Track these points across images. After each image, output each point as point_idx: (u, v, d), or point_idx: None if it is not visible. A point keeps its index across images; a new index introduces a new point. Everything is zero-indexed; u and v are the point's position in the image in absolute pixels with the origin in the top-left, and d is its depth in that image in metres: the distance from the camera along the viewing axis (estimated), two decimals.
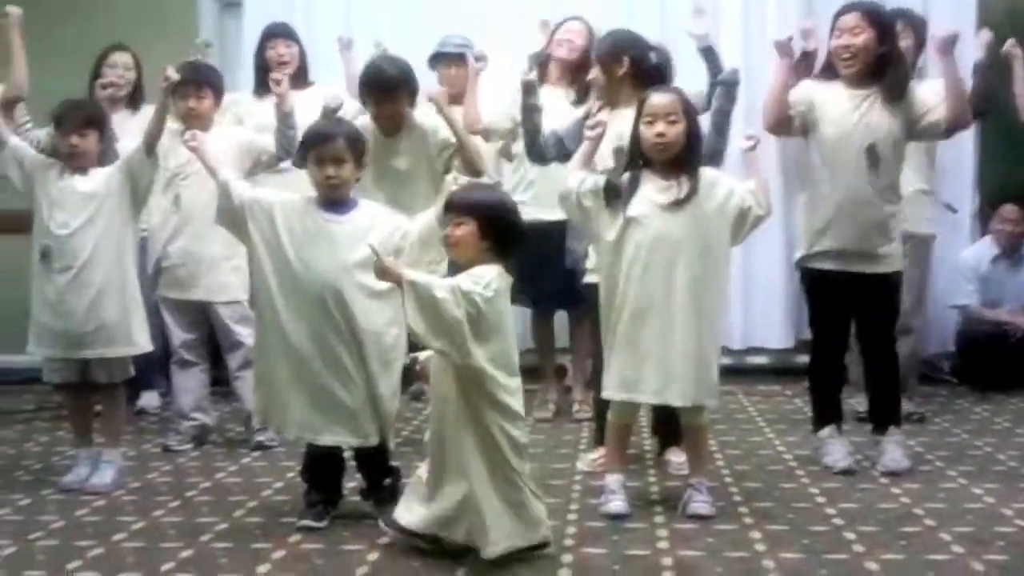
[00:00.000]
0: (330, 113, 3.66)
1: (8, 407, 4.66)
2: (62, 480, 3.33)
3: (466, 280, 2.47)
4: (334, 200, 2.87)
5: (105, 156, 3.36)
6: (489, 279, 2.47)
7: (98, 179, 3.32)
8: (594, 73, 3.52)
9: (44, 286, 3.30)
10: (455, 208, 2.58)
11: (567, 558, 2.59)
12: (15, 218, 3.69)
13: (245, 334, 3.80)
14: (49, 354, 3.37)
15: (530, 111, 3.55)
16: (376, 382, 2.83)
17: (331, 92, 3.91)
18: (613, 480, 2.99)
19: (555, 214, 3.47)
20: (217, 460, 3.69)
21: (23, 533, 2.84)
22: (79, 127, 3.27)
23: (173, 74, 3.38)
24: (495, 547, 2.47)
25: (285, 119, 3.81)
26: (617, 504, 2.92)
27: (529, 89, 3.55)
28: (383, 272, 2.51)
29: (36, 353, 3.40)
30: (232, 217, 2.92)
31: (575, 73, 4.15)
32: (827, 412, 3.47)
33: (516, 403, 2.54)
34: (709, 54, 3.58)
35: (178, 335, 3.89)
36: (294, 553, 2.66)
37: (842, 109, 3.29)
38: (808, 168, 3.43)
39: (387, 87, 3.63)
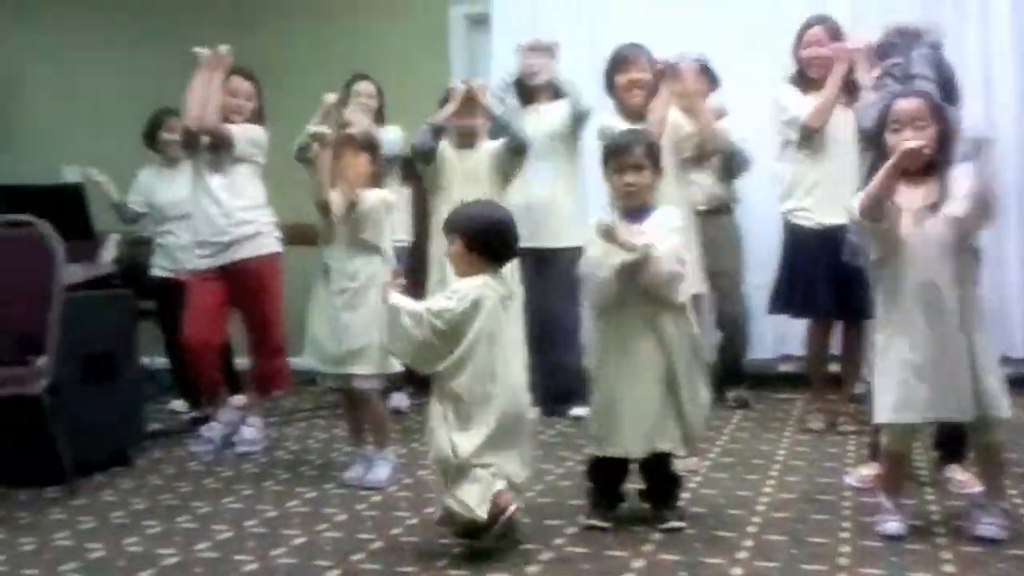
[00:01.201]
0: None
1: (290, 406, 5.06)
2: (343, 475, 3.56)
3: (439, 299, 2.73)
4: (632, 207, 2.92)
5: (377, 179, 3.56)
6: (465, 291, 2.67)
7: (375, 202, 3.50)
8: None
9: (321, 301, 3.53)
10: (446, 228, 2.82)
11: None
12: (307, 230, 3.89)
13: None
14: (316, 365, 3.58)
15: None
16: (679, 388, 2.85)
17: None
18: (888, 498, 2.84)
19: (835, 218, 3.35)
20: None
21: (310, 524, 3.05)
22: (354, 150, 3.46)
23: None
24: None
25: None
26: (894, 525, 2.77)
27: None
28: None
29: (309, 359, 3.63)
30: None
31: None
32: None
33: (477, 411, 2.65)
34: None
35: None
36: (561, 556, 2.70)
37: None
38: None
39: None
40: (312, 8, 5.97)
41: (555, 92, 4.55)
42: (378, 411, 3.62)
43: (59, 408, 3.41)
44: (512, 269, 3.09)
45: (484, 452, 2.66)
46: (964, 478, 3.07)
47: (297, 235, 4.31)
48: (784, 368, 5.07)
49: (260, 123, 4.15)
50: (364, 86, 4.66)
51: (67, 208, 4.68)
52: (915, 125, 2.70)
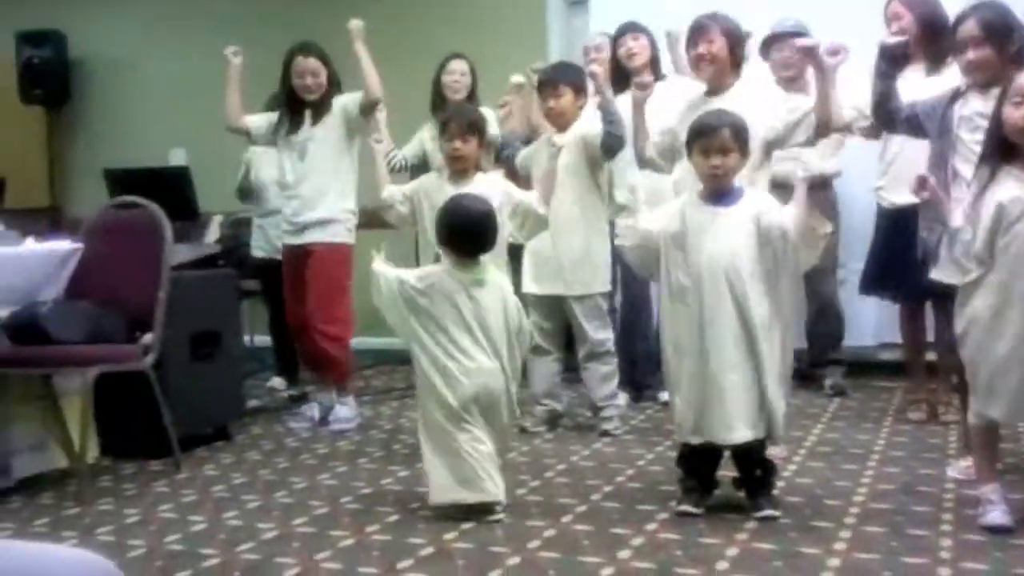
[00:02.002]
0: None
1: (382, 386, 5.14)
2: None
3: (409, 272, 3.03)
4: (719, 190, 2.88)
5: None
6: (424, 273, 3.02)
7: (479, 190, 3.51)
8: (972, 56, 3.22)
9: None
10: None
11: (944, 572, 2.42)
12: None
13: (592, 327, 3.94)
14: None
15: (884, 74, 3.34)
16: (764, 373, 2.81)
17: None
18: (990, 489, 2.75)
19: (908, 198, 3.23)
20: (570, 443, 3.83)
21: (405, 502, 3.10)
22: (462, 132, 3.49)
23: None
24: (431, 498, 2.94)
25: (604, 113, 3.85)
26: (997, 515, 2.68)
27: (889, 57, 3.35)
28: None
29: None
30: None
31: (924, 45, 3.84)
32: None
33: (439, 381, 2.91)
34: None
35: (535, 322, 4.06)
36: (653, 541, 2.69)
37: None
38: None
39: None
40: None
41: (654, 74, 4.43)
42: None
43: (165, 384, 3.53)
44: (493, 260, 3.11)
45: (449, 427, 2.91)
46: None
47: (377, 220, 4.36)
48: (884, 356, 4.93)
49: (334, 92, 4.16)
50: (457, 64, 4.67)
51: (174, 190, 4.83)
52: None
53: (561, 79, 3.95)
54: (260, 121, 4.30)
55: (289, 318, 4.31)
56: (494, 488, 2.90)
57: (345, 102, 4.14)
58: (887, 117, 3.41)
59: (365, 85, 4.04)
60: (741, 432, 2.82)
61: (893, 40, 3.41)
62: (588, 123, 4.01)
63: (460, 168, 3.54)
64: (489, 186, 3.51)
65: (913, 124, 3.30)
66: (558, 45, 5.78)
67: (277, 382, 5.11)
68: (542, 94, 3.95)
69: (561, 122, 3.93)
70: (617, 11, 5.00)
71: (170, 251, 3.54)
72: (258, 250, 5.08)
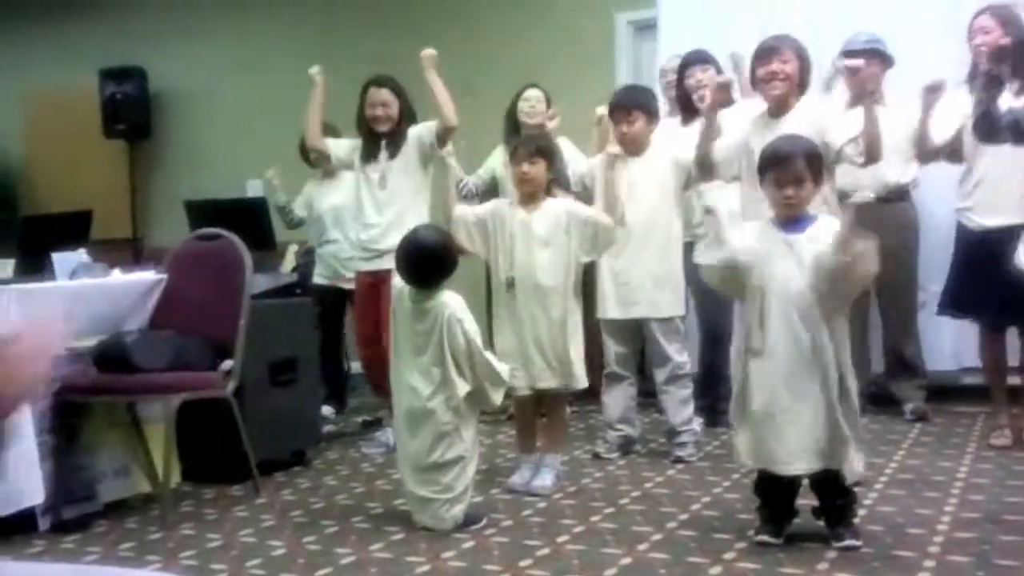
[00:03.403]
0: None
1: None
2: (508, 481, 3.61)
3: (395, 289, 3.31)
4: (791, 218, 2.86)
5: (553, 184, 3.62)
6: (396, 291, 3.29)
7: (549, 215, 3.55)
8: None
9: (505, 314, 3.62)
10: None
11: None
12: None
13: (673, 349, 3.92)
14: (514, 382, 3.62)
15: (989, 91, 3.29)
16: (835, 404, 2.76)
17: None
18: None
19: (997, 219, 3.17)
20: (643, 470, 3.81)
21: (479, 528, 3.11)
22: (530, 156, 3.54)
23: None
24: None
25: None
26: None
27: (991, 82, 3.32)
28: None
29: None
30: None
31: (1017, 63, 3.78)
32: None
33: (395, 390, 3.24)
34: None
35: (611, 348, 4.06)
36: (731, 571, 2.66)
37: None
38: None
39: None
40: (479, 16, 6.11)
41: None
42: (561, 411, 3.71)
43: (245, 410, 3.60)
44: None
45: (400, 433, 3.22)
46: None
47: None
48: (966, 380, 4.81)
49: (408, 124, 4.21)
50: (533, 92, 4.73)
51: (252, 220, 4.95)
52: None
53: (633, 105, 3.96)
54: (342, 145, 4.39)
55: (362, 342, 4.36)
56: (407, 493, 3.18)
57: (420, 132, 4.20)
58: (988, 127, 3.35)
59: (440, 113, 4.10)
60: (806, 463, 2.78)
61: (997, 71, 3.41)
62: (675, 145, 4.03)
63: (528, 191, 3.57)
64: (557, 208, 3.55)
65: (1015, 129, 3.23)
66: (626, 69, 5.79)
67: (326, 410, 4.95)
68: (615, 119, 3.96)
69: (633, 148, 3.93)
70: (686, 35, 5.01)
71: (250, 281, 3.62)
72: (319, 277, 5.19)
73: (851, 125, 3.51)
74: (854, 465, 2.81)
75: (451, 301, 3.16)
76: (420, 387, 3.14)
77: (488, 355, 3.18)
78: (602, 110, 4.10)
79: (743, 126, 3.63)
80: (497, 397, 3.20)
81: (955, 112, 3.92)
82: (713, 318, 4.40)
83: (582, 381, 3.61)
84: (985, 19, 3.87)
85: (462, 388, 3.11)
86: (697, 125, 3.97)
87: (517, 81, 4.85)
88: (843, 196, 3.58)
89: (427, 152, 4.19)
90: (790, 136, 3.01)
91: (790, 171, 2.81)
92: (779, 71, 3.51)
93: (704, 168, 3.61)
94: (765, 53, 3.59)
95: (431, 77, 4.11)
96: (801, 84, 3.62)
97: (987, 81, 3.39)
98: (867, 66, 3.95)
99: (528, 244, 3.54)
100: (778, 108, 3.55)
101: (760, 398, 2.83)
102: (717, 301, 4.08)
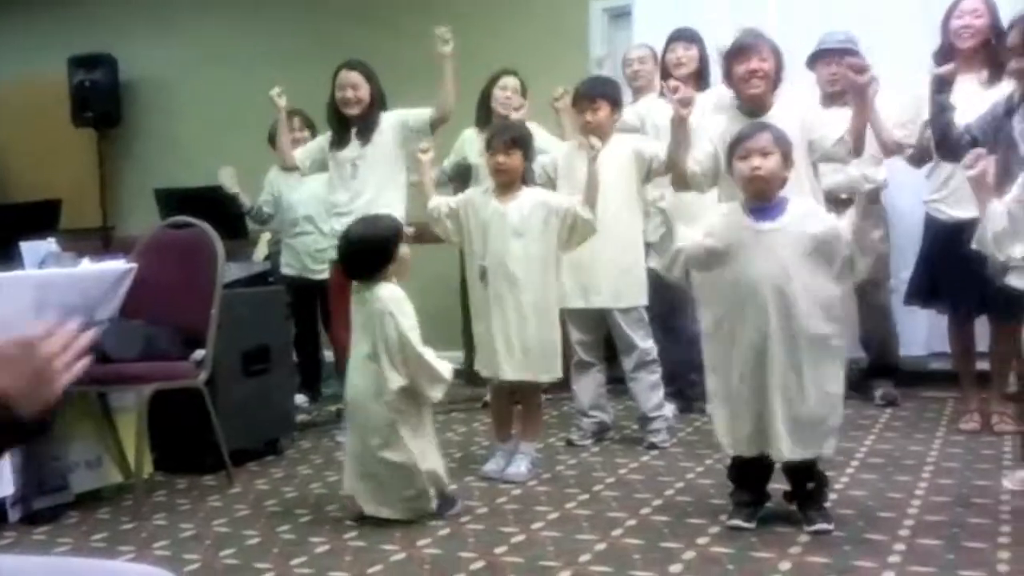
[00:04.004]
0: None
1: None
2: (483, 468, 3.61)
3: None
4: (761, 196, 2.84)
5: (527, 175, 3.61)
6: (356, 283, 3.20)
7: (525, 205, 3.54)
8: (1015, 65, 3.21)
9: (480, 303, 3.61)
10: None
11: None
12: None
13: (638, 337, 3.94)
14: (483, 371, 3.65)
15: (940, 108, 3.33)
16: (814, 390, 2.78)
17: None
18: None
19: (972, 211, 3.21)
20: (617, 456, 3.82)
21: (454, 516, 3.12)
22: (505, 146, 3.52)
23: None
24: None
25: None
26: None
27: (940, 85, 3.33)
28: None
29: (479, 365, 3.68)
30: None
31: (983, 52, 3.83)
32: None
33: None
34: None
35: (576, 336, 4.06)
36: (704, 555, 2.68)
37: None
38: None
39: None
40: (453, 4, 6.07)
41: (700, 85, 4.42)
42: (536, 400, 3.71)
43: (217, 399, 3.58)
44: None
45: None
46: None
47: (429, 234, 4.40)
48: (936, 365, 4.87)
49: (379, 108, 4.17)
50: (510, 80, 4.72)
51: (223, 209, 4.91)
52: None
53: (598, 93, 3.96)
54: (306, 152, 4.36)
55: (335, 330, 4.33)
56: (348, 484, 3.15)
57: (406, 118, 4.15)
58: (951, 149, 3.45)
59: (444, 98, 4.06)
60: (789, 451, 2.80)
61: (944, 69, 3.42)
62: (635, 138, 4.06)
63: (504, 181, 3.56)
64: (533, 199, 3.54)
65: (974, 146, 3.27)
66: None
67: (299, 399, 4.98)
68: (579, 108, 3.96)
69: (598, 135, 3.92)
70: (660, 23, 5.01)
71: (222, 270, 3.60)
72: (287, 267, 5.17)
73: (835, 123, 3.54)
74: (825, 449, 2.84)
75: (385, 294, 3.08)
76: (356, 380, 3.13)
77: (425, 351, 3.04)
78: (561, 89, 4.12)
79: (715, 128, 3.62)
80: (436, 393, 3.07)
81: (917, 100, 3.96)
82: (665, 307, 4.36)
83: (554, 372, 3.59)
84: (976, 1, 3.91)
85: (394, 382, 3.03)
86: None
87: (492, 68, 4.82)
88: (831, 198, 3.66)
89: (411, 138, 4.12)
90: (757, 121, 3.03)
91: (757, 142, 2.82)
92: (758, 69, 3.54)
93: (679, 181, 3.61)
94: (743, 51, 3.61)
95: (446, 55, 4.04)
96: (776, 83, 3.66)
97: (937, 85, 3.44)
98: (836, 68, 3.99)
99: (502, 234, 3.53)
100: (756, 106, 3.57)
101: (738, 386, 2.85)
102: (666, 290, 4.07)
